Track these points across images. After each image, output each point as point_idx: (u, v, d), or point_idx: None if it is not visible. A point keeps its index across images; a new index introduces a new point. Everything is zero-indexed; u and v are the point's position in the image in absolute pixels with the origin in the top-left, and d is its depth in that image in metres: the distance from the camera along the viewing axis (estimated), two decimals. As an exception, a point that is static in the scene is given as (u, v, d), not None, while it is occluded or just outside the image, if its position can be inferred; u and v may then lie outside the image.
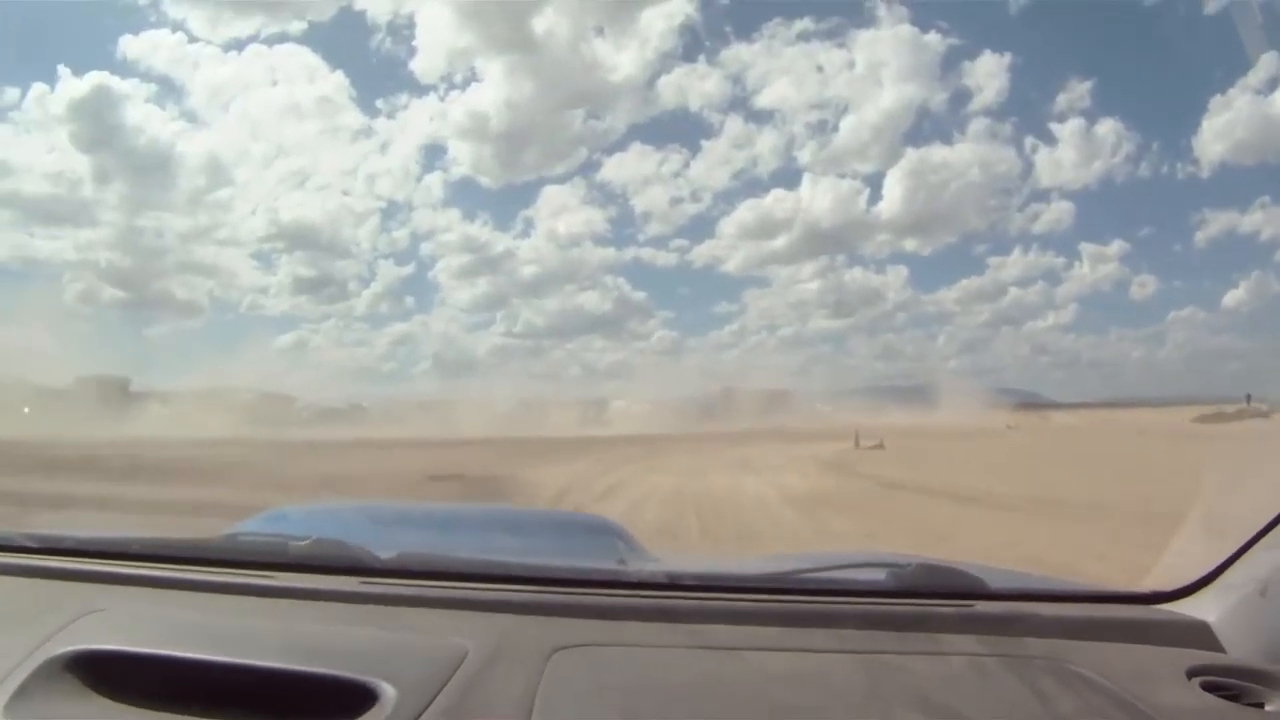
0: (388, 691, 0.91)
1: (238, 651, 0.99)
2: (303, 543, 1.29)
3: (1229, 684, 0.98)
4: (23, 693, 0.93)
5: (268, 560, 1.29)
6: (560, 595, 1.20)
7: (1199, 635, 1.13)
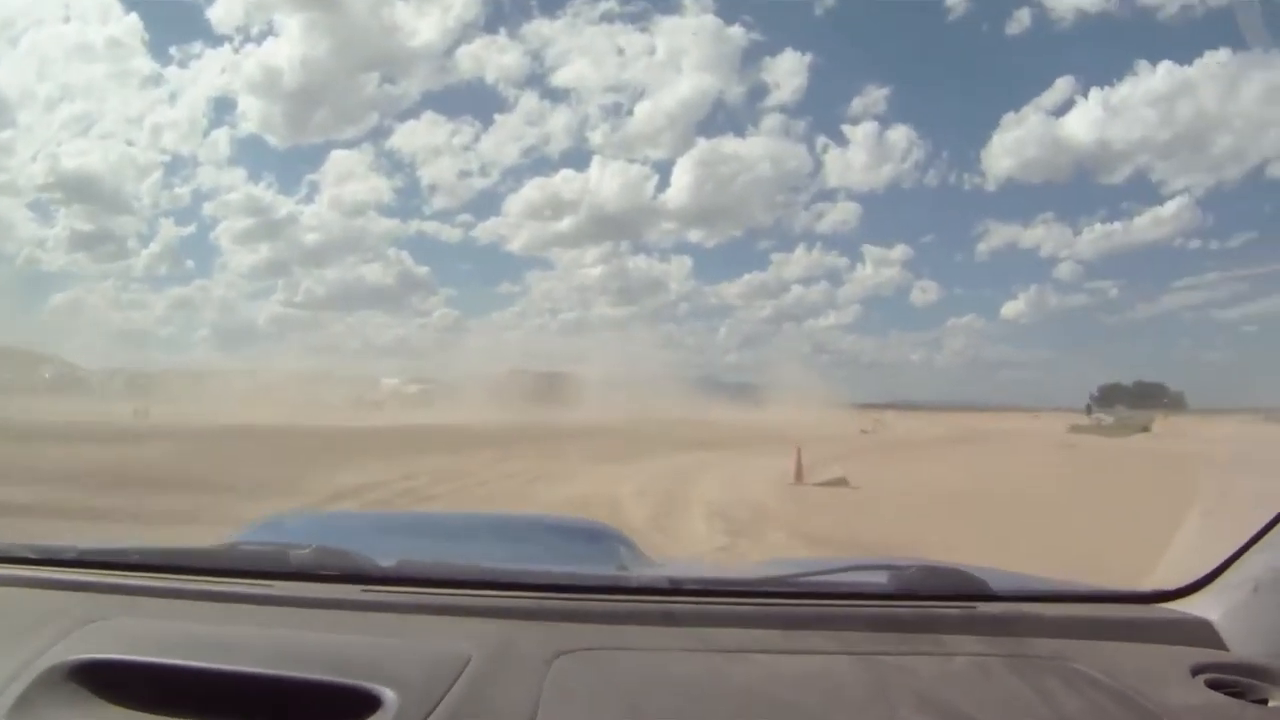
0: (390, 698, 0.91)
1: (239, 660, 0.98)
2: (303, 551, 1.29)
3: (1233, 681, 0.98)
4: (23, 702, 0.93)
5: (268, 569, 1.29)
6: (562, 601, 1.20)
7: (1202, 633, 1.13)
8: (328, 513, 2.92)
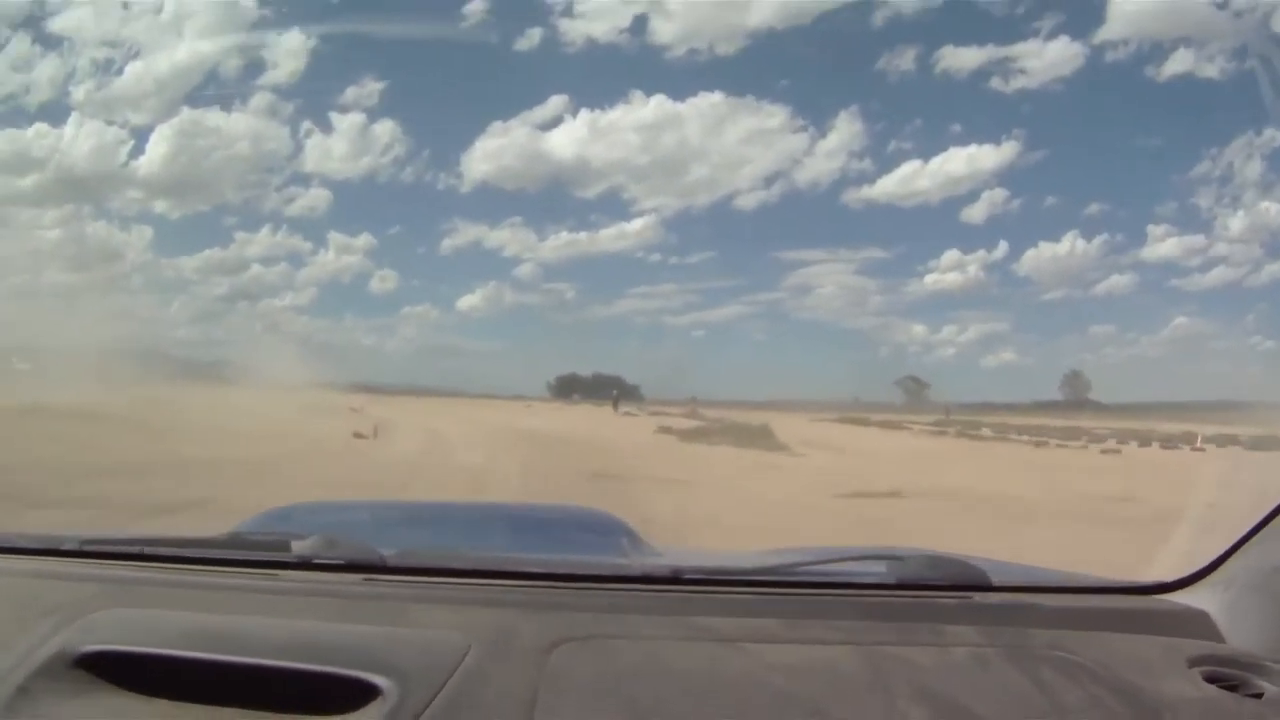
0: (389, 687, 0.91)
1: (239, 649, 0.99)
2: (305, 541, 1.30)
3: (1229, 674, 0.98)
4: (24, 692, 0.93)
5: (271, 559, 1.29)
6: (563, 590, 1.20)
7: (1199, 625, 1.13)
8: (330, 503, 2.92)
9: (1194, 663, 1.00)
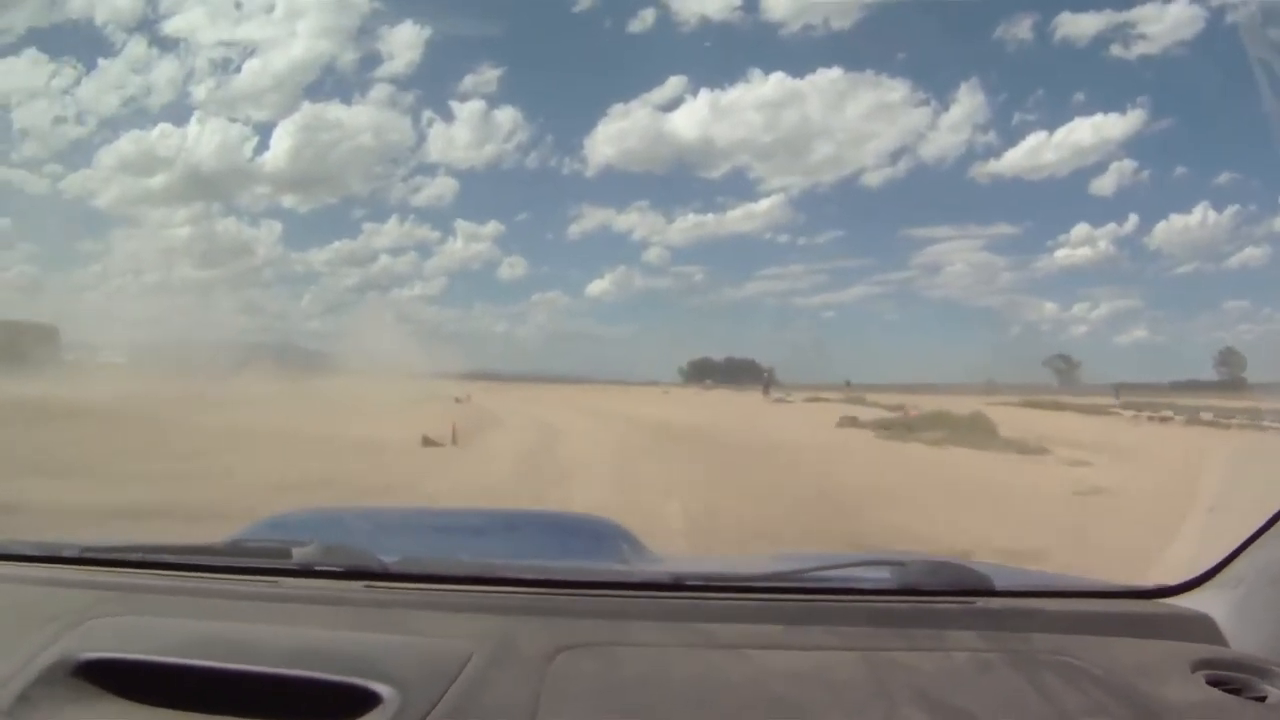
0: (390, 695, 0.91)
1: (241, 657, 0.99)
2: (306, 547, 1.29)
3: (1232, 677, 0.98)
4: (25, 699, 0.93)
5: (271, 565, 1.29)
6: (564, 597, 1.20)
7: (1202, 629, 1.13)
8: (332, 509, 2.91)
9: (1197, 666, 1.00)
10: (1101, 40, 13.93)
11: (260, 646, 1.02)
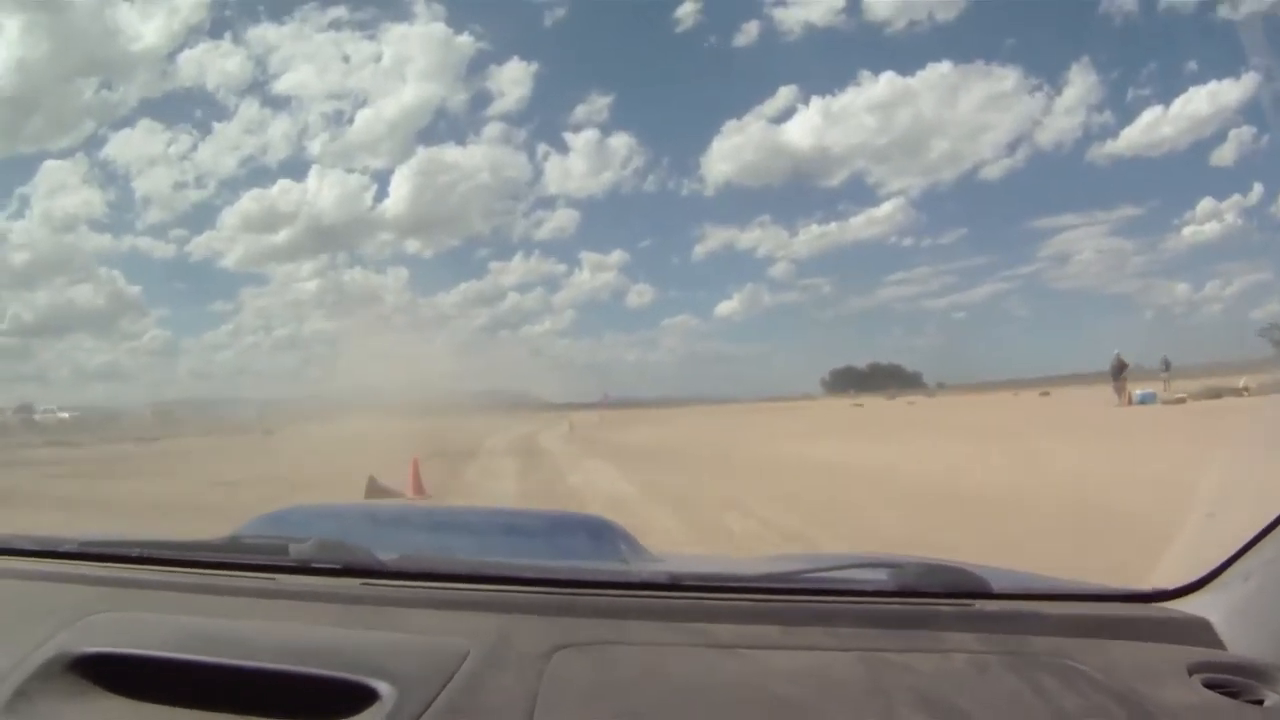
0: (387, 691, 0.91)
1: (237, 653, 0.99)
2: (304, 544, 1.30)
3: (1229, 681, 0.98)
4: (22, 694, 0.93)
5: (269, 562, 1.29)
6: (562, 595, 1.20)
7: (1200, 633, 1.13)
8: (329, 506, 2.92)
9: (1194, 670, 1.00)
10: (1208, 3, 13.70)
11: (257, 642, 1.02)
